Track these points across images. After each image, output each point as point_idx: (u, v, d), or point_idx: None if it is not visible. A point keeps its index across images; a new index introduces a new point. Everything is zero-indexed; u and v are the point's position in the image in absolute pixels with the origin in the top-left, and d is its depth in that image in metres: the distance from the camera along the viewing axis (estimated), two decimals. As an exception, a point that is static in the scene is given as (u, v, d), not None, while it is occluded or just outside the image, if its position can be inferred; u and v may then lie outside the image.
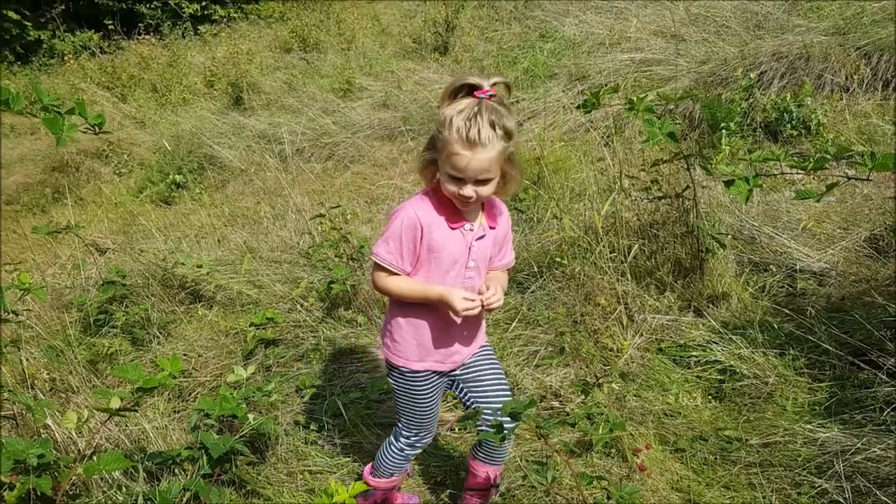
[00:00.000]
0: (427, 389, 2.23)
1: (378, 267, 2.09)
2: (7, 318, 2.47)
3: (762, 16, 6.98)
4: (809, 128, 5.27)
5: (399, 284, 2.08)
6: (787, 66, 5.82)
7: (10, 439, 1.97)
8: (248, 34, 12.47)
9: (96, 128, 2.59)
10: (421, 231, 2.00)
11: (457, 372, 2.26)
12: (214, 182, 7.37)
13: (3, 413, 2.47)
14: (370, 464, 2.49)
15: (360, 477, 2.71)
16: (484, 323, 2.30)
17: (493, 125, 1.84)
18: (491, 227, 2.10)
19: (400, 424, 2.34)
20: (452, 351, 2.20)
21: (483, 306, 2.03)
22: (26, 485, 1.98)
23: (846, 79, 5.67)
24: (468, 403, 2.29)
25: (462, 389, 2.29)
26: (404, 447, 2.36)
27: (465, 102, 1.87)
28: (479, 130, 1.83)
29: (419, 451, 2.41)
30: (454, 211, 2.03)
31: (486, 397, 2.25)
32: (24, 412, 2.54)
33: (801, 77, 5.71)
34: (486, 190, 1.93)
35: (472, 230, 2.06)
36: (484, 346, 2.32)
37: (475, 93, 1.87)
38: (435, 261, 2.04)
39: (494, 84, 1.89)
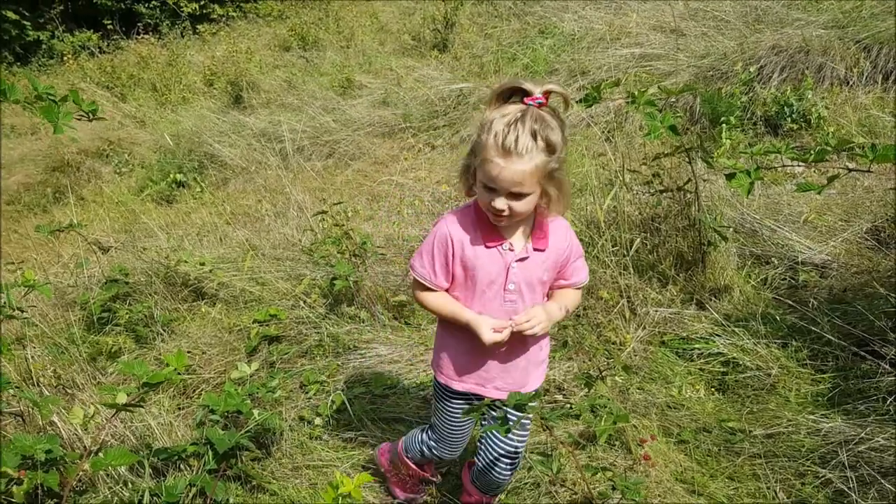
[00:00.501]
0: (460, 413, 2.21)
1: (415, 280, 2.03)
2: (13, 315, 2.48)
3: (761, 10, 6.98)
4: (810, 121, 5.27)
5: (434, 301, 2.02)
6: (787, 59, 5.82)
7: (18, 435, 1.98)
8: (246, 33, 12.47)
9: (90, 115, 2.60)
10: (452, 247, 1.92)
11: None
12: (215, 180, 7.37)
13: (9, 410, 2.47)
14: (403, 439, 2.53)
15: (364, 469, 2.72)
16: (540, 355, 2.14)
17: (534, 135, 1.71)
18: (537, 250, 1.94)
19: (431, 425, 2.35)
20: (492, 376, 2.08)
21: (519, 331, 1.90)
22: (34, 480, 1.98)
23: (846, 72, 5.67)
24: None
25: None
26: (426, 446, 2.38)
27: (511, 108, 1.75)
28: (517, 138, 1.70)
29: (439, 459, 2.42)
30: (493, 227, 1.91)
31: (490, 449, 2.22)
32: (30, 409, 2.55)
33: (801, 70, 5.71)
34: (520, 206, 1.79)
35: (511, 250, 1.92)
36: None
37: (525, 99, 1.75)
38: (470, 280, 1.96)
39: (549, 92, 1.77)
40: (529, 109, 1.73)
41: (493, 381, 2.10)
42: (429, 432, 2.37)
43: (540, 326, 1.90)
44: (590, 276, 3.53)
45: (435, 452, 2.36)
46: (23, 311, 2.60)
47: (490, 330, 1.91)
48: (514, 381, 2.10)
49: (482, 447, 2.24)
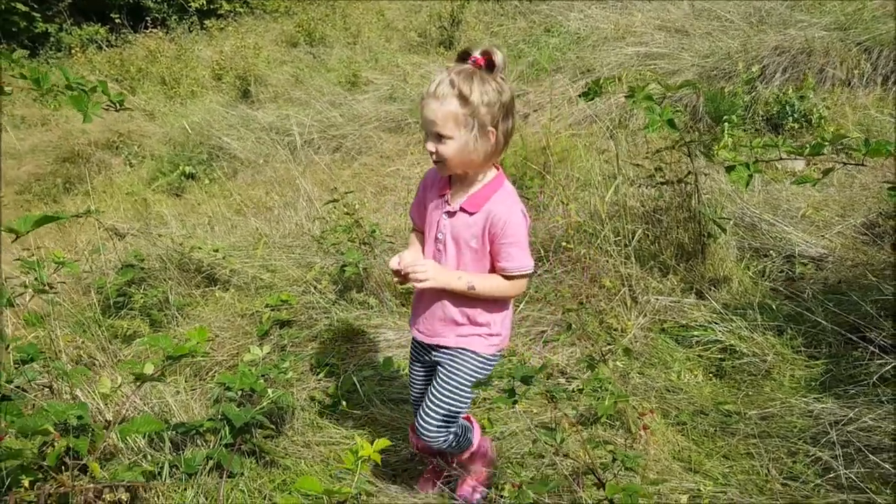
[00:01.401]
0: (411, 354, 2.45)
1: None
2: (45, 289, 2.60)
3: (765, 11, 7.09)
4: (811, 121, 5.38)
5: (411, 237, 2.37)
6: (790, 60, 5.93)
7: (52, 402, 2.09)
8: (254, 28, 12.58)
9: (117, 105, 2.70)
10: (423, 189, 2.24)
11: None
12: (224, 172, 7.49)
13: (39, 382, 2.59)
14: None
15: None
16: (459, 318, 2.23)
17: (451, 84, 1.93)
18: (465, 211, 2.10)
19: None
20: (418, 317, 2.31)
21: (405, 275, 2.11)
22: (65, 444, 2.09)
23: (847, 73, 5.78)
24: None
25: None
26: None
27: (452, 65, 2.00)
28: (438, 83, 1.95)
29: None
30: (446, 181, 2.15)
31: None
32: (58, 381, 2.66)
33: (802, 71, 5.82)
34: (443, 149, 1.99)
35: (448, 203, 2.14)
36: (451, 351, 2.27)
37: (468, 59, 1.99)
38: (425, 223, 2.23)
39: (486, 54, 1.97)
40: (461, 65, 1.97)
41: (418, 324, 2.32)
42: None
43: (421, 276, 2.08)
44: (593, 264, 3.68)
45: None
46: (52, 287, 2.72)
47: (395, 259, 2.15)
48: (431, 329, 2.28)
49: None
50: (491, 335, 2.24)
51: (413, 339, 2.38)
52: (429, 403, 2.28)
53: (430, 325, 2.28)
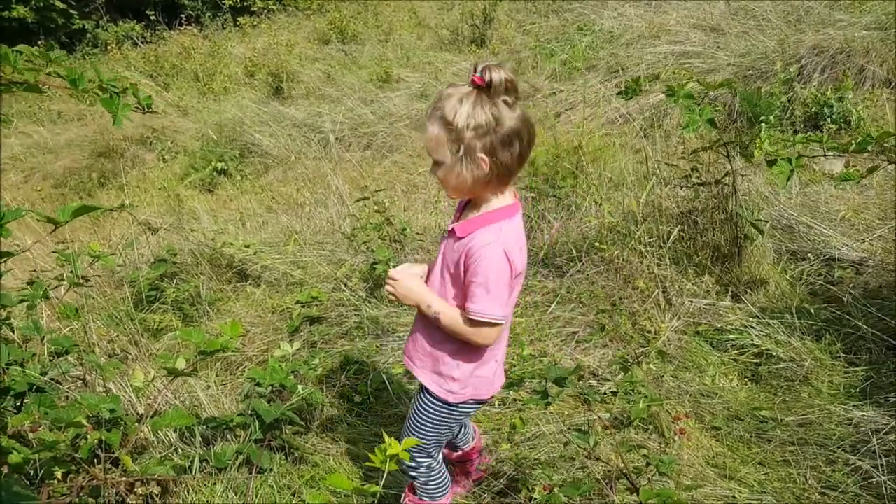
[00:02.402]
0: None
1: None
2: (80, 282, 2.62)
3: (803, 10, 6.97)
4: (850, 122, 5.27)
5: None
6: (828, 60, 5.81)
7: (86, 395, 2.10)
8: (286, 25, 12.64)
9: (145, 107, 2.71)
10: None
11: None
12: (256, 169, 7.53)
13: (73, 374, 2.61)
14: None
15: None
16: (428, 350, 2.08)
17: (434, 108, 1.82)
18: (454, 234, 1.95)
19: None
20: (407, 340, 2.21)
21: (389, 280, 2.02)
22: (97, 437, 2.10)
23: (888, 73, 5.66)
24: None
25: None
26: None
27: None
28: (430, 105, 1.85)
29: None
30: (459, 209, 2.05)
31: None
32: (91, 373, 2.68)
33: (841, 71, 5.71)
34: (439, 173, 1.87)
35: (448, 232, 1.99)
36: (420, 383, 2.15)
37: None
38: None
39: (482, 70, 1.78)
40: (459, 86, 1.82)
41: (406, 343, 2.19)
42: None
43: (388, 287, 2.01)
44: (626, 265, 3.63)
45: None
46: (87, 280, 2.74)
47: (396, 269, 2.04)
48: (409, 354, 2.16)
49: None
50: (453, 380, 2.05)
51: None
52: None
53: (410, 348, 2.16)
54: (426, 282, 2.05)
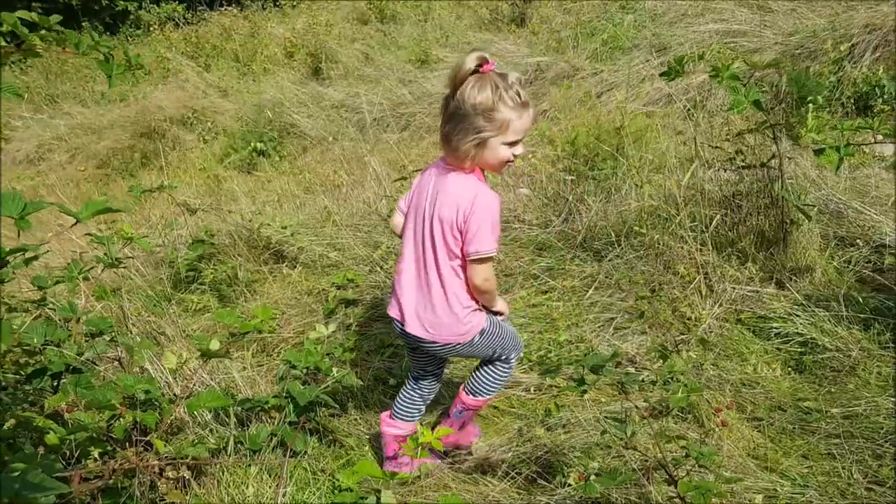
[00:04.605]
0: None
1: (487, 260, 2.22)
2: (113, 264, 2.64)
3: (855, -14, 6.72)
4: (903, 102, 5.09)
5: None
6: (881, 38, 5.61)
7: (121, 375, 2.11)
8: (326, 6, 12.62)
9: (134, 66, 2.68)
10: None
11: None
12: (294, 150, 7.55)
13: (108, 355, 2.63)
14: (463, 386, 2.64)
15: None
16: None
17: (520, 83, 2.08)
18: None
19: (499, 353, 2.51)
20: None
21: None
22: (132, 418, 2.12)
23: (944, 51, 5.44)
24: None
25: None
26: (507, 369, 2.57)
27: (486, 81, 2.05)
28: (522, 93, 2.08)
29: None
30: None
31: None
32: (128, 355, 2.70)
33: (894, 50, 5.50)
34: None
35: None
36: None
37: (482, 69, 2.06)
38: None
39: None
40: (496, 73, 2.07)
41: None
42: (509, 359, 2.54)
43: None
44: (667, 250, 3.55)
45: (514, 363, 2.59)
46: (120, 262, 2.75)
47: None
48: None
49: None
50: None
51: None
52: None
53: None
54: None
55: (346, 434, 2.88)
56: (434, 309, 2.29)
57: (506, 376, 2.58)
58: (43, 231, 5.53)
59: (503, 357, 2.52)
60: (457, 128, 2.10)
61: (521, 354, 2.71)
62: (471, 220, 2.12)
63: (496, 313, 2.45)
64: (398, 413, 2.64)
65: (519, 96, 2.06)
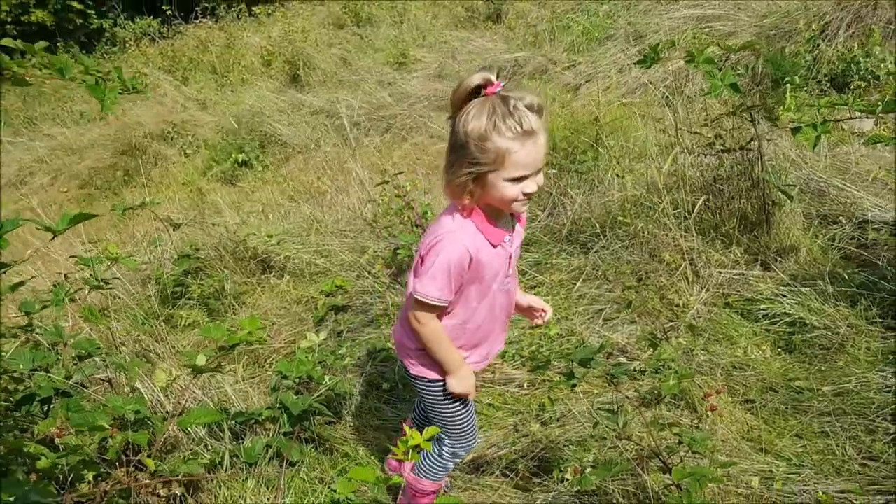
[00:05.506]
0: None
1: (425, 303, 1.92)
2: (99, 286, 2.62)
3: (826, -36, 6.76)
4: (879, 78, 5.12)
5: (439, 333, 1.99)
6: (853, 15, 5.64)
7: (110, 396, 2.10)
8: (301, 12, 12.57)
9: (132, 89, 2.67)
10: (470, 262, 1.89)
11: None
12: (276, 159, 7.53)
13: (98, 376, 2.62)
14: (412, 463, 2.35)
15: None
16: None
17: (531, 108, 1.73)
18: (520, 224, 2.05)
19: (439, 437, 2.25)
20: (494, 344, 2.20)
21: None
22: (125, 438, 2.11)
23: (917, 25, 5.47)
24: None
25: None
26: (451, 457, 2.28)
27: (486, 105, 1.73)
28: (528, 119, 1.72)
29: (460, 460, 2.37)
30: (493, 225, 1.92)
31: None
32: (117, 375, 2.69)
33: (868, 26, 5.53)
34: (542, 177, 1.85)
35: (510, 240, 1.97)
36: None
37: (486, 91, 1.75)
38: (478, 283, 1.96)
39: (497, 75, 1.77)
40: (502, 95, 1.75)
41: (494, 349, 2.19)
42: (443, 444, 2.24)
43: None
44: (651, 239, 3.56)
45: (461, 454, 2.29)
46: (108, 283, 2.74)
47: (471, 387, 2.08)
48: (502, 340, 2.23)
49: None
50: None
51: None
52: None
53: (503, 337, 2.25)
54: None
55: (342, 441, 2.87)
56: (399, 313, 2.23)
57: (438, 466, 2.27)
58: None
59: (444, 440, 2.22)
60: (450, 158, 1.83)
61: (465, 455, 2.33)
62: (426, 259, 1.89)
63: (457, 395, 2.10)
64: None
65: (520, 125, 1.71)
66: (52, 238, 1.59)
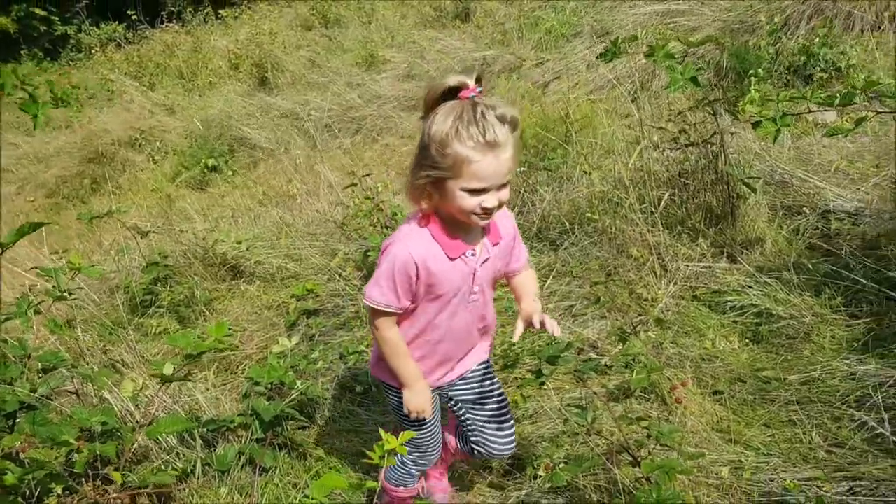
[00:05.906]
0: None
1: (373, 310, 1.91)
2: (63, 296, 2.59)
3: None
4: (840, 69, 5.19)
5: (394, 338, 1.95)
6: (814, 7, 5.71)
7: (76, 408, 2.08)
8: (268, 14, 12.49)
9: (60, 101, 2.66)
10: (417, 271, 1.82)
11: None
12: (246, 163, 7.48)
13: (65, 388, 2.59)
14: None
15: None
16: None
17: (501, 120, 1.66)
18: (495, 245, 1.93)
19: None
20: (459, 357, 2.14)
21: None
22: (92, 451, 2.08)
23: (876, 17, 5.56)
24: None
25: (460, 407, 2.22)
26: (412, 466, 2.28)
27: (454, 109, 1.67)
28: (494, 130, 1.64)
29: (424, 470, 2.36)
30: (452, 238, 1.85)
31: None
32: (84, 386, 2.66)
33: (829, 18, 5.61)
34: (506, 193, 1.76)
35: (474, 255, 1.89)
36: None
37: (461, 94, 1.68)
38: (435, 294, 1.90)
39: (479, 79, 1.70)
40: (474, 101, 1.68)
41: (464, 365, 2.14)
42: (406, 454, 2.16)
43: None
44: (619, 234, 3.59)
45: (421, 464, 2.27)
46: (71, 293, 2.71)
47: (420, 405, 2.01)
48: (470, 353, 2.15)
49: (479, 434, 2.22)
50: None
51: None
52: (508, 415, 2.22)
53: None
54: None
55: (315, 446, 2.87)
56: None
57: (401, 472, 2.27)
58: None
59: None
60: (414, 159, 1.78)
61: (422, 470, 2.33)
62: (378, 264, 1.88)
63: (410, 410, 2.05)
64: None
65: (483, 134, 1.63)
66: (2, 252, 1.57)
